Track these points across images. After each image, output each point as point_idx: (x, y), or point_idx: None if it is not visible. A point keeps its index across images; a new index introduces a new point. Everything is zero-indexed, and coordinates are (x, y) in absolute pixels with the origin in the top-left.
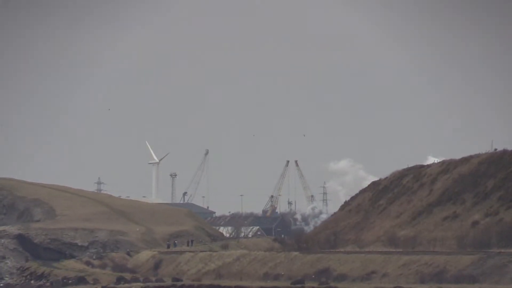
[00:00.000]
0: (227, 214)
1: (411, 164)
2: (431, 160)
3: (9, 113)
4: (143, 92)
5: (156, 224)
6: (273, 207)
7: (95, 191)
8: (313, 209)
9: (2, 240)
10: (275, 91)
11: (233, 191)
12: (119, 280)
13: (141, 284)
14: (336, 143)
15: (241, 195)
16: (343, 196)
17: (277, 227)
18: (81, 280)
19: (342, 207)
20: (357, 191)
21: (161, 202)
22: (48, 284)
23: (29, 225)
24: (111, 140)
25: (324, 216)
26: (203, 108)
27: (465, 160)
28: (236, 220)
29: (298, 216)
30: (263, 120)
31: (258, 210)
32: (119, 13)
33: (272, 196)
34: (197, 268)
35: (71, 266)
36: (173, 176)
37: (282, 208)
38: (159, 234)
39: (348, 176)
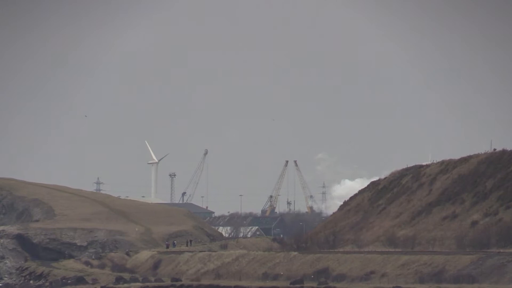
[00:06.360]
0: (226, 214)
1: (410, 164)
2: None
3: (9, 113)
4: (143, 92)
5: (155, 224)
6: (272, 207)
7: (94, 191)
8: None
9: (1, 240)
10: (274, 91)
11: (232, 191)
12: (118, 280)
13: (140, 284)
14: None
15: (240, 195)
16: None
17: (276, 227)
18: (80, 280)
19: (341, 207)
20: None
21: (160, 202)
22: (47, 284)
23: (28, 225)
24: (110, 140)
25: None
26: (202, 108)
27: (464, 160)
28: (235, 220)
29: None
30: (263, 120)
31: (257, 210)
32: (119, 14)
33: (271, 196)
34: (196, 268)
35: (70, 266)
36: (172, 176)
37: (281, 208)
38: (158, 234)
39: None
